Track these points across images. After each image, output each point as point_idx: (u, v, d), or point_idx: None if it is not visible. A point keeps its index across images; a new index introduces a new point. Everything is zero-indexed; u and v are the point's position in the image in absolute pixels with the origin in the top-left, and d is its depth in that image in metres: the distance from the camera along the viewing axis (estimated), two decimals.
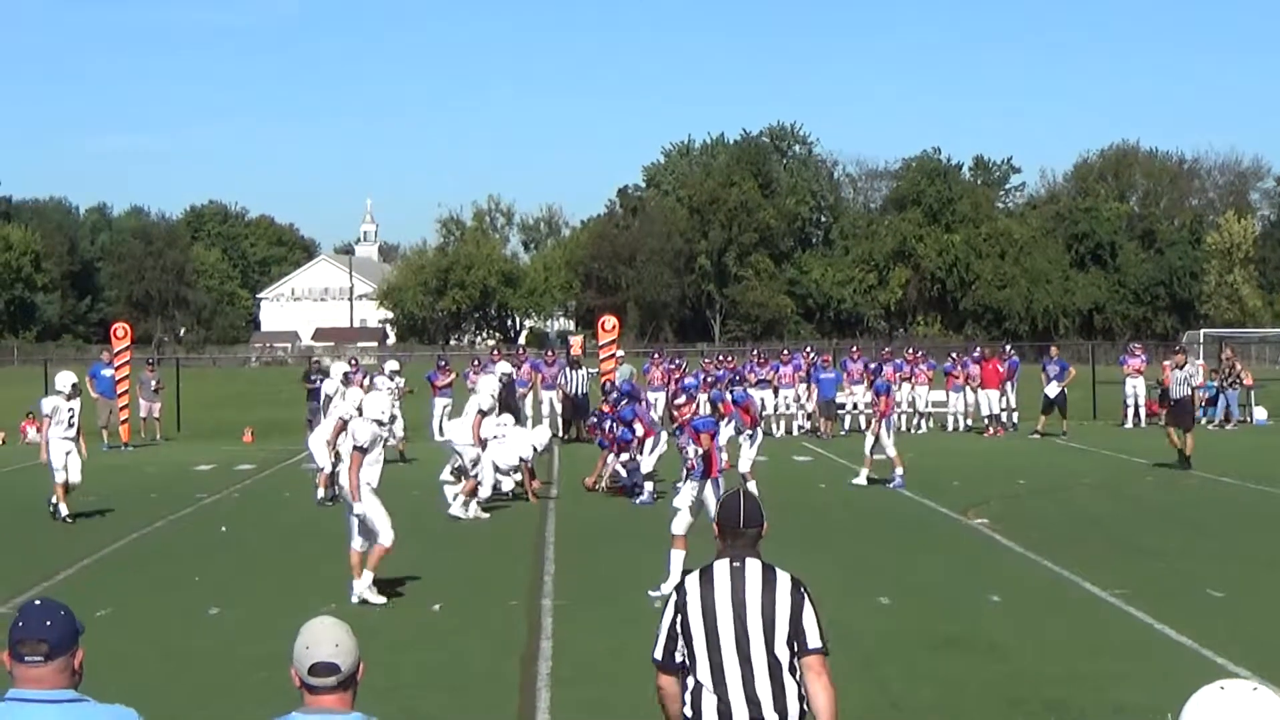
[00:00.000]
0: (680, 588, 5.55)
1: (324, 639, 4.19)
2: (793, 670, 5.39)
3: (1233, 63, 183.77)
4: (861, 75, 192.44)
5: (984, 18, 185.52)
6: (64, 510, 19.15)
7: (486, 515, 19.17)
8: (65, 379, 19.59)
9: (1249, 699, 3.35)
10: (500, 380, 20.90)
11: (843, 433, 33.12)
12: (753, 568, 5.48)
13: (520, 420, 24.25)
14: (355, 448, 13.41)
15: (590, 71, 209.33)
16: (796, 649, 5.39)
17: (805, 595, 5.46)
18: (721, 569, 5.50)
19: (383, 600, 13.22)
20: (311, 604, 12.96)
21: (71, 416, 19.30)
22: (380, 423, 13.76)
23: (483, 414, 19.71)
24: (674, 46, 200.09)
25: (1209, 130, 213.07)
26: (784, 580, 5.47)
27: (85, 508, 19.59)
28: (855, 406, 33.66)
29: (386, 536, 13.34)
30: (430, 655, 10.89)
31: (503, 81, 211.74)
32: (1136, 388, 34.85)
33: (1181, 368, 25.90)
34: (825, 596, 5.62)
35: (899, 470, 22.00)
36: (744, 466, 19.69)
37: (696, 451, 14.52)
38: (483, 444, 19.55)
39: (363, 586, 13.24)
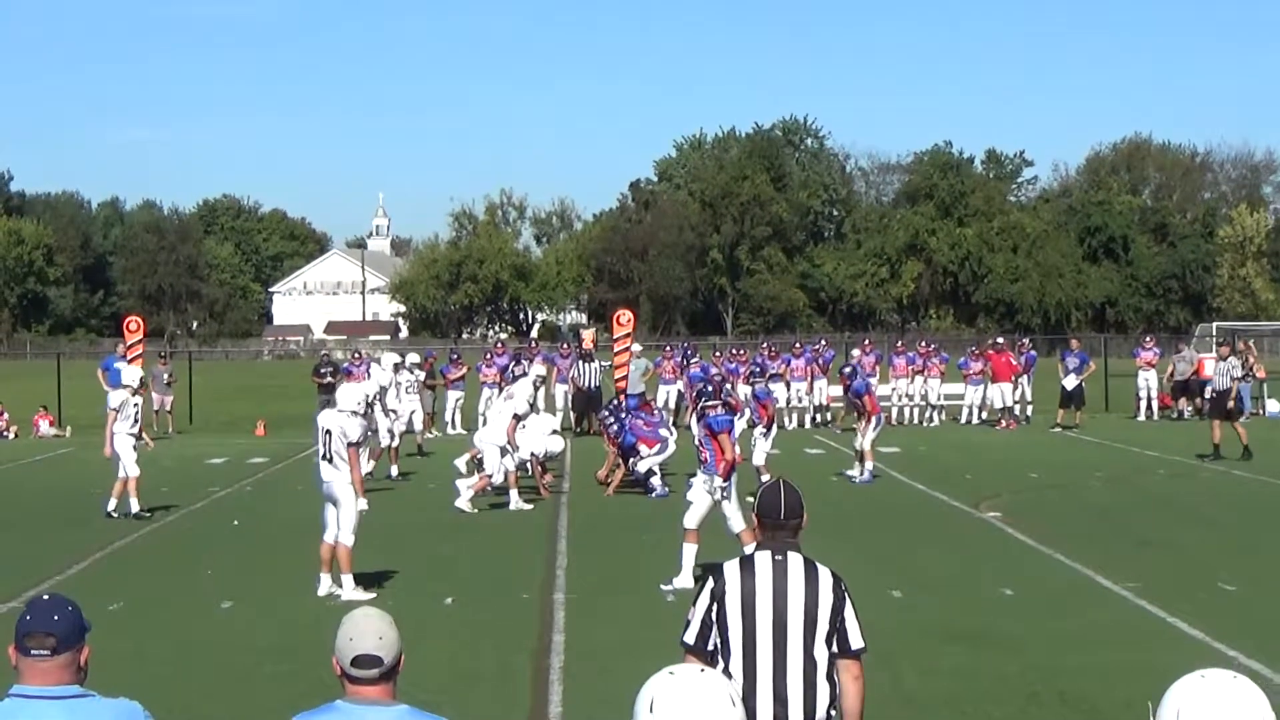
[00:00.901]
0: (719, 576, 5.41)
1: (368, 631, 4.19)
2: (829, 674, 5.30)
3: (1245, 56, 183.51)
4: (873, 69, 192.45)
5: (996, 11, 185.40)
6: (135, 506, 18.77)
7: (474, 510, 19.14)
8: (133, 373, 19.26)
9: (1229, 686, 3.47)
10: (535, 384, 21.05)
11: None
12: (795, 562, 5.39)
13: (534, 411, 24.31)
14: (350, 444, 13.29)
15: (602, 65, 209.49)
16: (838, 648, 5.32)
17: (846, 593, 5.39)
18: (763, 561, 5.39)
19: (371, 594, 13.17)
20: (322, 598, 13.00)
21: (136, 412, 19.16)
22: (355, 413, 13.66)
23: (518, 418, 19.77)
24: (686, 40, 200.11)
25: (1222, 124, 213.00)
26: (826, 576, 5.39)
27: (88, 501, 19.51)
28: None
29: (347, 536, 13.21)
30: (442, 649, 10.88)
31: (514, 75, 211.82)
32: (1149, 381, 34.89)
33: (1225, 359, 26.50)
34: None
35: (869, 466, 21.96)
36: (759, 460, 19.70)
37: (709, 448, 14.46)
38: (514, 446, 19.67)
39: (349, 590, 13.15)
